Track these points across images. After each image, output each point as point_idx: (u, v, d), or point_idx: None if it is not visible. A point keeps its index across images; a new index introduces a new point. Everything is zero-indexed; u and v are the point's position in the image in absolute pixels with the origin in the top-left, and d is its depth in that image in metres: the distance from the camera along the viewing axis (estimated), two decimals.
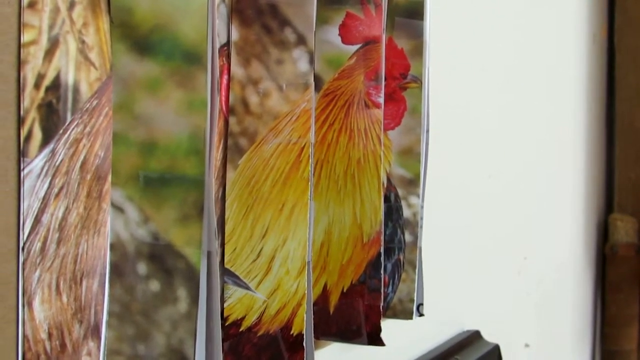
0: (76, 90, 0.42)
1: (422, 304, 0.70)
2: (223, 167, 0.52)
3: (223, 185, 0.52)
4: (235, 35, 0.52)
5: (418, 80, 0.68)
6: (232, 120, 0.52)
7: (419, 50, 0.68)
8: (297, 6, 0.51)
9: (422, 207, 0.69)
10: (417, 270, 0.69)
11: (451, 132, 0.89)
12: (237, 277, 0.52)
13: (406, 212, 0.69)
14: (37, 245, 0.40)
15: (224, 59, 0.52)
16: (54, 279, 0.41)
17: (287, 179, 0.52)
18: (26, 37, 0.39)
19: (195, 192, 0.44)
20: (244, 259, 0.52)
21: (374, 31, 0.61)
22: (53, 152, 0.41)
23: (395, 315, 0.69)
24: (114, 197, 0.44)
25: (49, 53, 0.40)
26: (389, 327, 0.69)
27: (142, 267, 0.44)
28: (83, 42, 0.42)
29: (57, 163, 0.41)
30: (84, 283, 0.43)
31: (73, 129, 0.42)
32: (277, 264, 0.52)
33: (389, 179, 0.69)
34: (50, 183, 0.41)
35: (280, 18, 0.52)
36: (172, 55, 0.44)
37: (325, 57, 0.61)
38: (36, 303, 0.40)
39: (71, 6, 0.41)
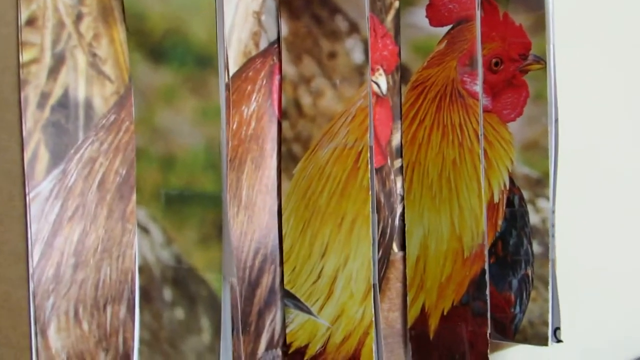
0: (89, 106, 0.40)
1: (559, 328, 0.58)
2: (278, 177, 0.47)
3: (280, 197, 0.47)
4: (284, 30, 0.46)
5: (541, 61, 0.56)
6: (285, 124, 0.46)
7: (540, 24, 0.56)
8: None
9: (553, 211, 0.57)
10: (550, 288, 0.57)
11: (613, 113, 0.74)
12: (298, 300, 0.46)
13: (533, 219, 0.58)
14: (49, 271, 0.39)
15: (274, 57, 0.46)
16: (71, 305, 0.39)
17: (344, 189, 0.45)
18: (25, 56, 0.38)
19: (214, 210, 0.39)
20: (304, 279, 0.46)
21: (467, 7, 0.51)
22: (64, 173, 0.39)
23: (527, 340, 0.58)
24: (139, 216, 0.41)
25: (54, 70, 0.39)
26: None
27: (167, 293, 0.41)
28: (94, 55, 0.40)
29: (70, 184, 0.39)
30: (109, 309, 0.40)
31: (87, 147, 0.40)
32: (340, 286, 0.46)
33: (511, 180, 0.58)
34: (62, 206, 0.39)
35: (330, 5, 0.45)
36: (185, 60, 0.40)
37: (412, 43, 0.53)
38: (51, 331, 0.39)
39: (78, 19, 0.39)
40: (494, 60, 0.57)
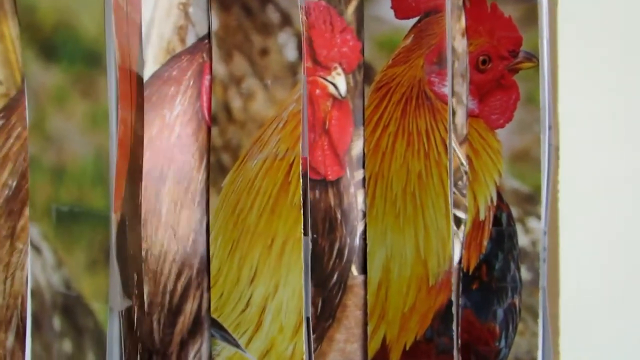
0: None
1: None
2: (206, 192, 0.41)
3: (207, 213, 0.41)
4: (215, 23, 0.41)
5: (533, 58, 0.49)
6: (214, 131, 0.41)
7: (532, 16, 0.49)
8: None
9: (544, 233, 0.50)
10: (540, 320, 0.50)
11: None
12: (224, 330, 0.41)
13: (522, 240, 0.50)
14: None
15: (204, 55, 0.41)
16: None
17: (275, 206, 0.39)
18: None
19: (102, 231, 0.34)
20: (231, 308, 0.41)
21: None
22: None
23: None
24: (32, 234, 0.37)
25: None
26: None
27: (57, 322, 0.36)
28: None
29: None
30: None
31: None
32: (269, 317, 0.40)
33: (499, 195, 0.51)
34: None
35: None
36: (74, 58, 0.35)
37: (376, 38, 0.46)
38: None
39: None
40: (481, 58, 0.50)
